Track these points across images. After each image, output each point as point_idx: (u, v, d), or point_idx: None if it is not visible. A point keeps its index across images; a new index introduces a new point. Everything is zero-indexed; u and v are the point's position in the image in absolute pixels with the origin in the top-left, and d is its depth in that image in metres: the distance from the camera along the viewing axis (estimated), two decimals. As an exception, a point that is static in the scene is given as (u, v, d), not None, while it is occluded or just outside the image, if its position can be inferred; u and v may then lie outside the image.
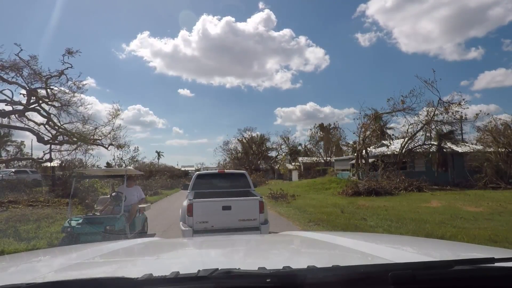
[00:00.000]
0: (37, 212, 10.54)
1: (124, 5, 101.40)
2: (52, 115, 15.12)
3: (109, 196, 7.07)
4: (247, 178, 7.34)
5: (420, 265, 0.95)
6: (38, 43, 58.95)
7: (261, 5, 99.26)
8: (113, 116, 16.86)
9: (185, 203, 5.75)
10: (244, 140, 47.72)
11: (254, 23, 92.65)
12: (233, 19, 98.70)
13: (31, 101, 14.18)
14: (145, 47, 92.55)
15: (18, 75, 13.51)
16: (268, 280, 0.80)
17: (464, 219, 8.54)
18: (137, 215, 6.81)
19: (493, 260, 0.88)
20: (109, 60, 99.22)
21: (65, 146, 16.36)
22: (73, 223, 5.68)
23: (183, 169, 50.33)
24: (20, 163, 27.99)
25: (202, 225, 5.46)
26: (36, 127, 14.88)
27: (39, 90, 14.59)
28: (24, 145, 40.25)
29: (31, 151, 37.95)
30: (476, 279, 0.86)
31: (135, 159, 29.18)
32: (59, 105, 14.97)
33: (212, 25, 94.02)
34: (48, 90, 14.63)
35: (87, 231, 5.53)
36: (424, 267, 0.93)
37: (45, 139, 15.01)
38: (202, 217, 5.47)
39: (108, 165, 29.64)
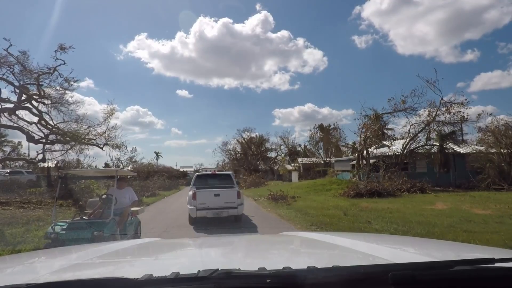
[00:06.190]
0: (28, 215, 10.18)
1: (121, 7, 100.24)
2: (43, 114, 14.65)
3: (99, 199, 6.65)
4: (231, 177, 10.65)
5: (420, 266, 0.94)
6: (35, 44, 58.59)
7: (258, 7, 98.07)
8: (108, 115, 16.44)
9: (190, 192, 9.10)
10: (243, 140, 47.36)
11: (251, 25, 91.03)
12: (231, 20, 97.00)
13: (22, 98, 13.72)
14: (143, 48, 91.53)
15: (9, 72, 13.09)
16: (268, 281, 0.80)
17: (474, 223, 8.16)
18: (129, 219, 6.36)
19: (493, 260, 0.88)
20: (107, 62, 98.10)
21: (59, 146, 15.88)
22: (58, 228, 5.20)
23: (181, 169, 49.88)
24: (16, 164, 27.49)
25: (202, 205, 8.65)
26: (26, 126, 14.42)
27: (30, 88, 14.13)
28: (22, 145, 39.71)
29: (28, 151, 37.42)
30: (476, 279, 0.85)
31: (133, 160, 28.77)
32: (50, 102, 14.50)
33: (209, 26, 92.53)
34: (40, 87, 14.16)
35: (73, 237, 5.07)
36: (424, 267, 0.93)
37: (35, 138, 14.52)
38: (202, 200, 8.70)
39: (107, 165, 29.20)
